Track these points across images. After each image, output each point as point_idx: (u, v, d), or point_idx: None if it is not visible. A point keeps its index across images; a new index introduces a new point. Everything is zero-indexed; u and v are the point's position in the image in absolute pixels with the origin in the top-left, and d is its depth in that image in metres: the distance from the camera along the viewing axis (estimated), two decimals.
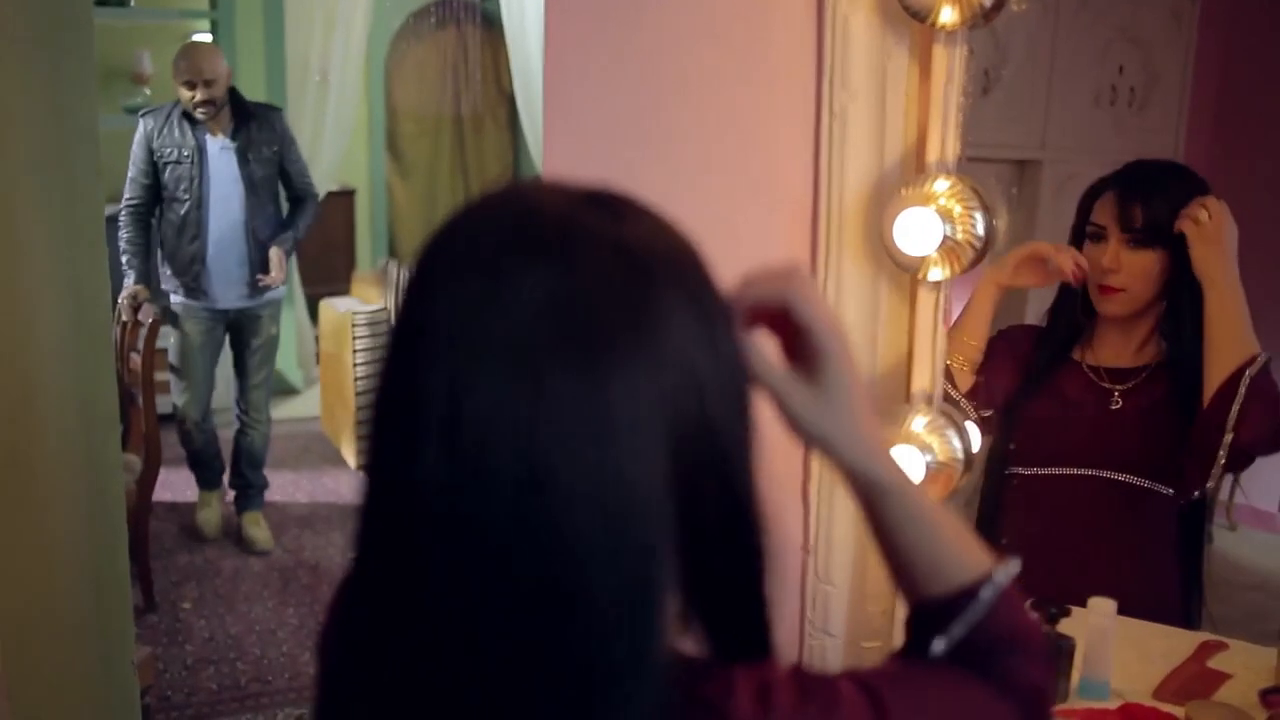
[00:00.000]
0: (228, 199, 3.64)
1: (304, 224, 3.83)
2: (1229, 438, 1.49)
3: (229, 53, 4.45)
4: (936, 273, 1.36)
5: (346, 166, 5.87)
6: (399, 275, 4.75)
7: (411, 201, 6.61)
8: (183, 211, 3.59)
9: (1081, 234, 1.66)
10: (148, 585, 3.38)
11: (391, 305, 4.76)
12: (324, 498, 4.42)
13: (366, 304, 4.88)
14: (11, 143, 1.60)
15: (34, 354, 1.68)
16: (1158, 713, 1.31)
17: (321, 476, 4.67)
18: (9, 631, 1.58)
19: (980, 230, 1.33)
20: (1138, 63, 2.47)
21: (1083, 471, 1.64)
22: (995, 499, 1.72)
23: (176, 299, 3.69)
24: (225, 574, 3.70)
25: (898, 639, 0.73)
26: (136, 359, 3.32)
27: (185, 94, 3.53)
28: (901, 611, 0.75)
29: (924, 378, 1.41)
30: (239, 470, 3.93)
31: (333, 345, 4.93)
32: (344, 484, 4.53)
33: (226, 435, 3.93)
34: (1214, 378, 1.52)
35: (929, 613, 0.69)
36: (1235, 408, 1.48)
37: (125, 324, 3.41)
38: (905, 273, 1.39)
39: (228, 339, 3.81)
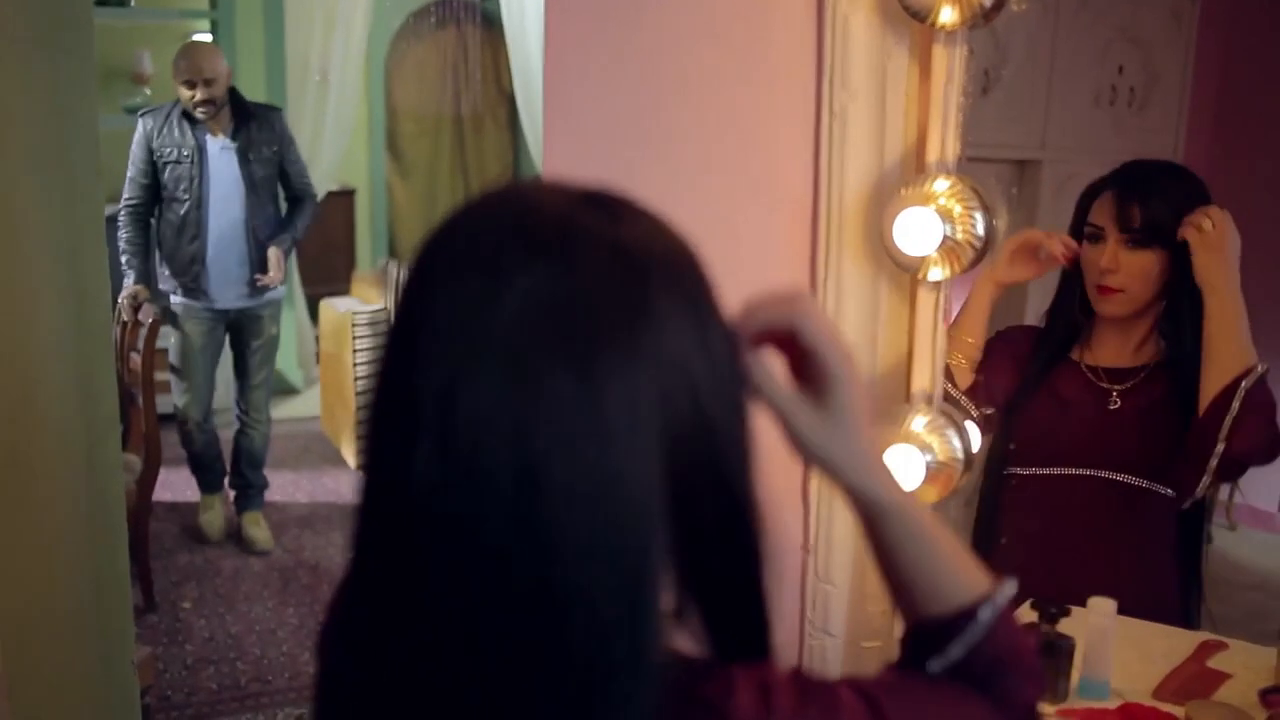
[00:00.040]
0: (228, 199, 3.63)
1: (302, 224, 3.83)
2: (1221, 447, 1.49)
3: (229, 53, 4.45)
4: (936, 273, 1.36)
5: (346, 166, 5.87)
6: (399, 275, 4.75)
7: (411, 201, 6.61)
8: (182, 211, 3.59)
9: (1079, 235, 1.66)
10: (148, 585, 3.38)
11: (391, 305, 4.76)
12: (324, 498, 4.42)
13: (366, 304, 4.88)
14: (11, 143, 1.60)
15: (34, 354, 1.68)
16: (1158, 712, 1.31)
17: (321, 476, 4.67)
18: (9, 631, 1.58)
19: (980, 230, 1.33)
20: (1138, 63, 2.48)
21: (1081, 471, 1.64)
22: (994, 499, 1.72)
23: (176, 299, 3.68)
24: (225, 574, 3.70)
25: (898, 639, 0.73)
26: (136, 359, 3.32)
27: (185, 93, 3.53)
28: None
29: (924, 377, 1.41)
30: (239, 470, 3.93)
31: (333, 345, 4.93)
32: (344, 484, 4.53)
33: (226, 435, 3.93)
34: (1210, 387, 1.52)
35: (927, 632, 0.69)
36: (1229, 419, 1.48)
37: (125, 324, 3.41)
38: (905, 273, 1.39)
39: (228, 339, 3.81)
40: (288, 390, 5.52)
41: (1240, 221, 1.55)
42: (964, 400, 1.66)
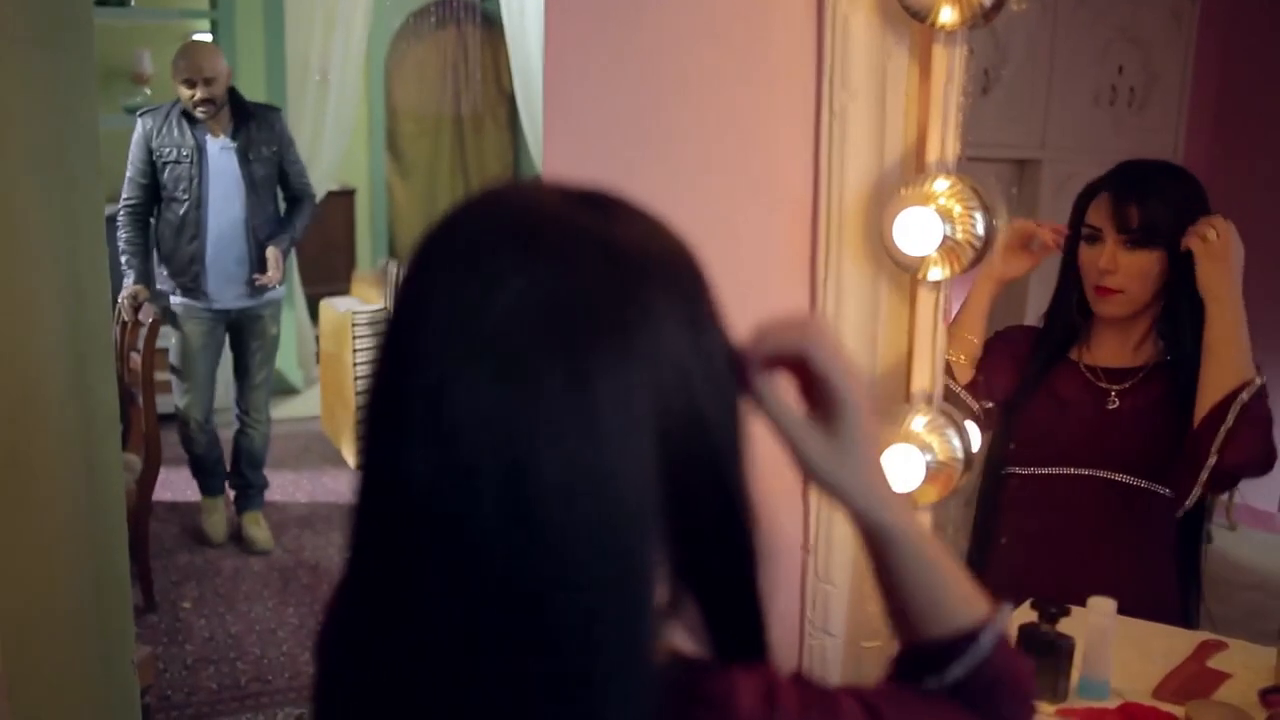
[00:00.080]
0: (228, 199, 3.63)
1: (301, 224, 3.83)
2: (1213, 460, 1.50)
3: (229, 53, 4.45)
4: (936, 272, 1.36)
5: (346, 166, 5.87)
6: (399, 275, 4.74)
7: (411, 201, 6.61)
8: (181, 211, 3.59)
9: (1076, 237, 1.66)
10: (148, 585, 3.38)
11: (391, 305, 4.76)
12: (324, 498, 4.42)
13: (366, 304, 4.88)
14: (11, 142, 1.60)
15: (34, 354, 1.69)
16: (1157, 712, 1.31)
17: (321, 476, 4.67)
18: (9, 631, 1.58)
19: (980, 230, 1.33)
20: (1137, 62, 2.48)
21: (1080, 471, 1.64)
22: (994, 498, 1.72)
23: (176, 300, 3.68)
24: (225, 574, 3.70)
25: (891, 654, 0.75)
26: (136, 359, 3.32)
27: (185, 92, 3.52)
28: None
29: (924, 377, 1.41)
30: (239, 470, 3.93)
31: (333, 345, 4.93)
32: (344, 484, 4.53)
33: (226, 435, 3.93)
34: (1206, 398, 1.52)
35: (926, 653, 0.70)
36: (1224, 431, 1.49)
37: (125, 324, 3.41)
38: (905, 272, 1.39)
39: (227, 339, 3.81)
40: (288, 390, 5.52)
41: (1240, 221, 1.55)
42: (963, 393, 1.66)
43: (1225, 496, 1.84)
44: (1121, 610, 1.34)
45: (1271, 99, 2.49)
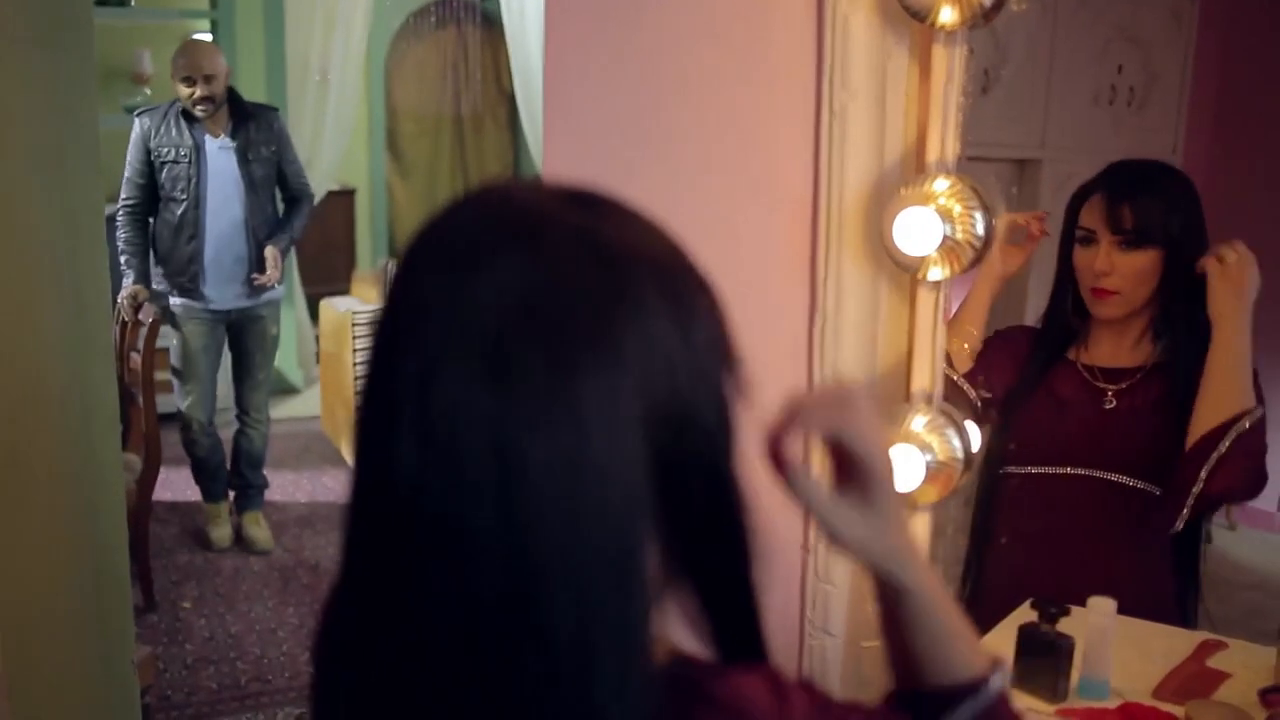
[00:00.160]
0: (227, 198, 3.63)
1: (300, 224, 3.83)
2: (1199, 489, 1.50)
3: (229, 52, 4.45)
4: (936, 272, 1.36)
5: (346, 166, 5.88)
6: None
7: (411, 201, 6.61)
8: (180, 211, 3.58)
9: (1071, 239, 1.66)
10: (148, 585, 3.38)
11: None
12: (324, 498, 4.42)
13: (366, 304, 4.88)
14: (11, 142, 1.60)
15: (34, 354, 1.69)
16: (1157, 712, 1.31)
17: (321, 476, 4.67)
18: (9, 631, 1.58)
19: (980, 230, 1.33)
20: (1137, 62, 2.48)
21: (1078, 471, 1.64)
22: (992, 498, 1.72)
23: (176, 301, 3.68)
24: (225, 574, 3.70)
25: (886, 694, 0.76)
26: (136, 359, 3.32)
27: (184, 91, 3.52)
28: None
29: (924, 377, 1.41)
30: (239, 470, 3.93)
31: (333, 345, 4.93)
32: (344, 484, 4.49)
33: (226, 435, 3.93)
34: (1202, 422, 1.52)
35: (931, 698, 0.72)
36: (1215, 457, 1.49)
37: (125, 324, 3.41)
38: (905, 272, 1.39)
39: (227, 339, 3.81)
40: (288, 390, 5.52)
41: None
42: (962, 381, 1.66)
43: None
44: (1121, 610, 1.34)
45: (1271, 99, 2.49)
